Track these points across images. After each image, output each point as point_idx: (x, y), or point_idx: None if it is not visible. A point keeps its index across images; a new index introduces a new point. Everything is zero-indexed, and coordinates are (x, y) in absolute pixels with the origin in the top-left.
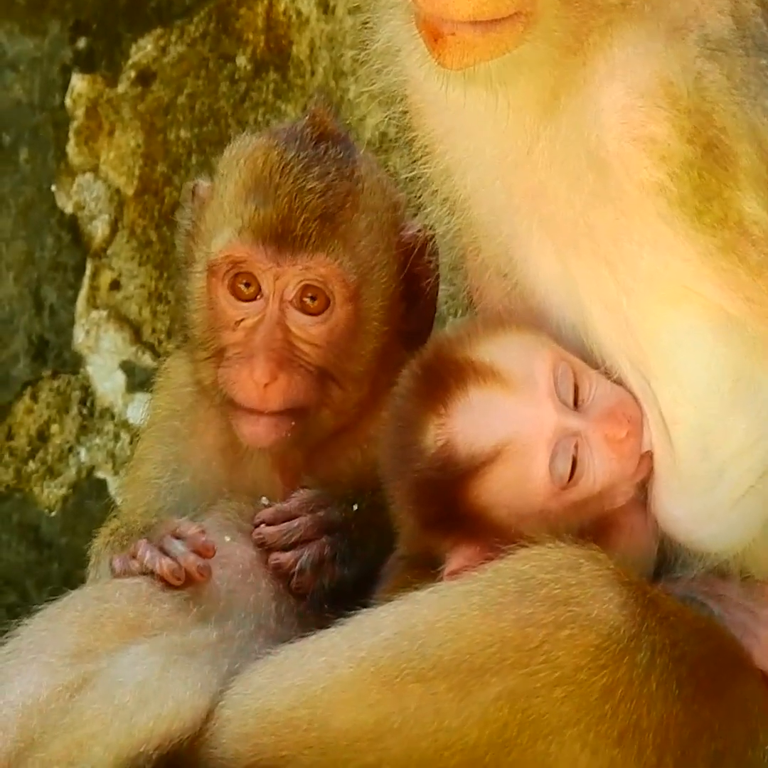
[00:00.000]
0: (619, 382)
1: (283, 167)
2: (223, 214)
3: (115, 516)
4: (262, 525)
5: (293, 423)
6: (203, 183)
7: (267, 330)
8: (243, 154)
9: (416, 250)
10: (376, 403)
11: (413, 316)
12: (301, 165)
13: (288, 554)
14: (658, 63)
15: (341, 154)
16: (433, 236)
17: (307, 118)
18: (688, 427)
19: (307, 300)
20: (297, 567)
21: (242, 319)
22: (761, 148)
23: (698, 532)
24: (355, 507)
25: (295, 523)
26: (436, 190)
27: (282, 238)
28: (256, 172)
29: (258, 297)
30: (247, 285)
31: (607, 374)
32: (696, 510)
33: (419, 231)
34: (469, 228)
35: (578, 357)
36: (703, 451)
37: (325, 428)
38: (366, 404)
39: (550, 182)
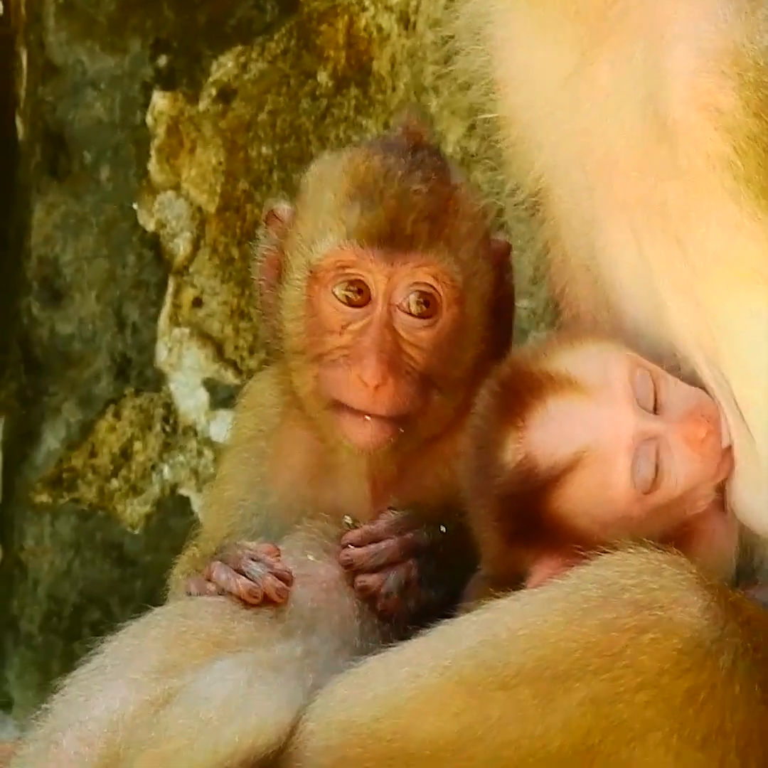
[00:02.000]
0: (692, 373)
1: (386, 172)
2: (322, 223)
3: (195, 542)
4: (350, 547)
5: (401, 430)
6: (281, 206)
7: (377, 332)
8: (338, 166)
9: (503, 261)
10: (466, 416)
11: (499, 327)
12: (403, 170)
13: (375, 576)
14: (727, 31)
15: (438, 163)
16: (510, 249)
17: (400, 129)
18: (762, 411)
19: (416, 303)
20: (384, 590)
21: (349, 323)
22: None
23: None
24: (443, 529)
25: (383, 545)
26: (517, 186)
27: (393, 238)
28: (357, 179)
29: (366, 302)
30: (359, 291)
31: (681, 365)
32: None
33: (507, 246)
34: (550, 220)
35: (653, 349)
36: None
37: (422, 437)
38: (458, 416)
39: (619, 147)
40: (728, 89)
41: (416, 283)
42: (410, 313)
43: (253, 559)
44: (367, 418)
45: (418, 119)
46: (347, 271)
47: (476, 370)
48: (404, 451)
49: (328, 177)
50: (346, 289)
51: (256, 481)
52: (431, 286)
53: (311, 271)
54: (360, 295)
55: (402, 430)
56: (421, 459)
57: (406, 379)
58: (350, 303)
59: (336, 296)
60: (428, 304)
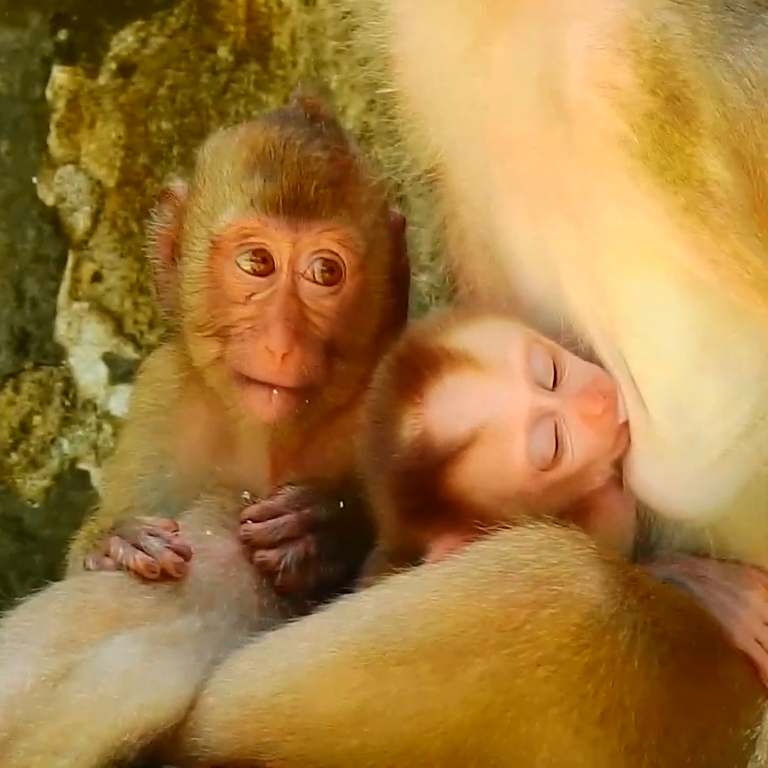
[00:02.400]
0: (589, 349)
1: (286, 141)
2: (223, 194)
3: (94, 517)
4: (248, 522)
5: (306, 401)
6: (175, 183)
7: (283, 300)
8: (235, 138)
9: (399, 233)
10: (366, 389)
11: (397, 298)
12: (302, 138)
13: (273, 552)
14: (624, 9)
15: (336, 133)
16: (405, 222)
17: (296, 100)
18: (657, 387)
19: (320, 270)
20: (282, 565)
21: (253, 293)
22: (723, 105)
23: (674, 498)
24: (341, 504)
25: (282, 520)
26: (415, 162)
27: (296, 204)
28: (257, 149)
29: (270, 271)
30: (263, 261)
31: (578, 341)
32: (671, 476)
33: (403, 218)
34: (448, 196)
35: (551, 326)
36: (676, 414)
37: (325, 408)
38: (359, 389)
39: (516, 124)
40: (625, 66)
41: (320, 250)
42: (314, 281)
43: (150, 534)
44: (274, 391)
45: (314, 91)
46: (250, 239)
47: (377, 341)
48: (306, 425)
49: (226, 150)
50: (250, 259)
51: (154, 456)
52: (335, 253)
53: (213, 242)
54: (264, 264)
55: (307, 401)
56: (321, 434)
57: (312, 349)
58: (254, 272)
59: (239, 266)
60: (332, 271)
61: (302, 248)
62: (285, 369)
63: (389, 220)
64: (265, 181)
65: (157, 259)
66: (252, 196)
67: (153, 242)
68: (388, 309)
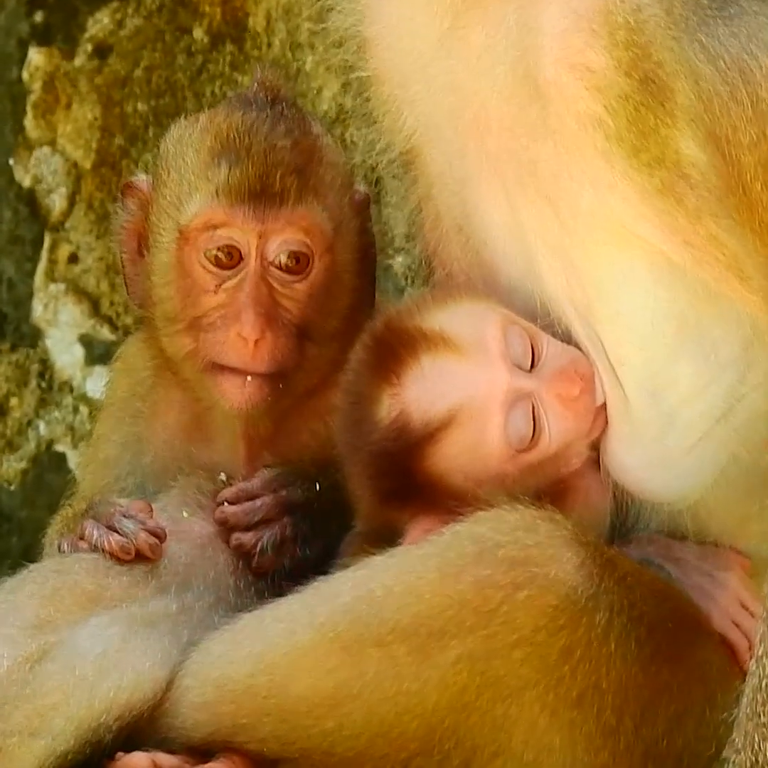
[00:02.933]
0: (566, 331)
1: (249, 128)
2: (188, 184)
3: (70, 501)
4: (225, 504)
5: (280, 385)
6: (138, 177)
7: (253, 287)
8: (198, 127)
9: (364, 211)
10: (340, 371)
11: (364, 277)
12: (266, 124)
13: (249, 534)
14: None
15: (298, 115)
16: (370, 199)
17: (256, 85)
18: (634, 369)
19: (288, 258)
20: (258, 547)
21: (223, 282)
22: (698, 86)
23: (651, 480)
24: (317, 486)
25: (258, 503)
26: (389, 144)
27: (262, 194)
28: (221, 137)
29: (238, 261)
30: (229, 254)
31: (554, 324)
32: (648, 457)
33: (364, 194)
34: (422, 178)
35: (527, 308)
36: (652, 396)
37: (298, 392)
38: (332, 371)
39: (492, 107)
40: (599, 48)
41: (287, 240)
42: (283, 268)
43: (125, 516)
44: (248, 377)
45: (273, 73)
46: (218, 231)
47: (348, 323)
48: (280, 408)
49: (190, 139)
50: (218, 249)
51: (131, 440)
52: (303, 240)
53: (180, 233)
54: (232, 254)
55: (280, 386)
56: (296, 416)
57: (284, 332)
58: (223, 262)
59: (207, 256)
60: (300, 258)
61: (270, 238)
62: (258, 355)
63: (354, 198)
64: (230, 169)
65: (124, 252)
66: (217, 186)
67: (119, 236)
68: (356, 288)
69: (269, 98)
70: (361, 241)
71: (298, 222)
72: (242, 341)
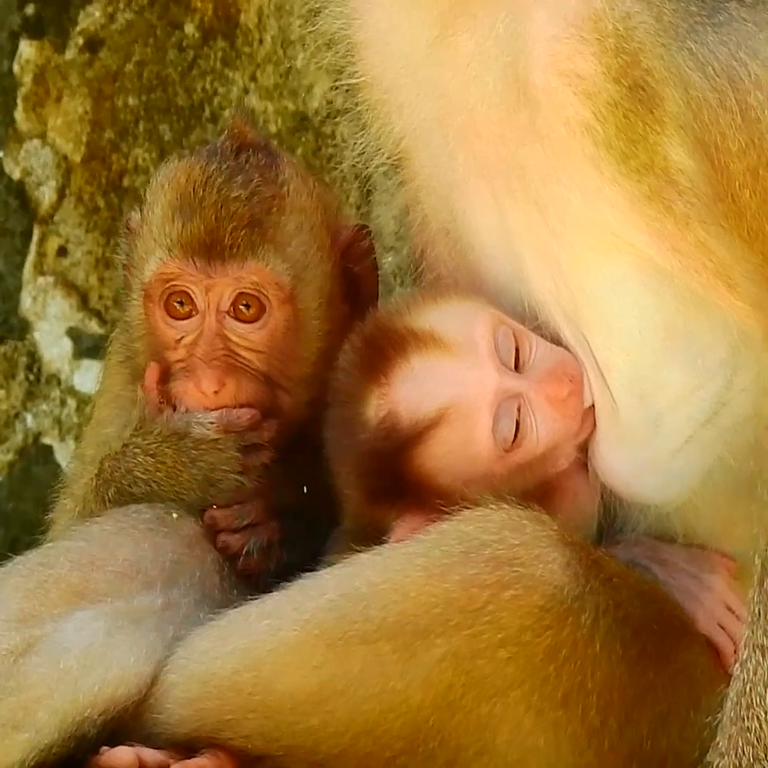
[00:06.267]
0: (555, 334)
1: (205, 181)
2: (153, 239)
3: (64, 494)
4: (213, 507)
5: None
6: (134, 216)
7: (207, 343)
8: (167, 178)
9: (353, 248)
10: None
11: (358, 316)
12: (223, 176)
13: (236, 536)
14: None
15: (263, 161)
16: (369, 232)
17: (225, 132)
18: (622, 374)
19: (242, 308)
20: (245, 550)
21: (182, 337)
22: (687, 93)
23: (638, 483)
24: (305, 489)
25: (246, 506)
26: (379, 148)
27: (211, 249)
28: (179, 190)
29: (194, 313)
30: (181, 303)
31: (543, 327)
32: (635, 460)
33: (357, 230)
34: (411, 182)
35: (516, 312)
36: (640, 400)
37: (285, 440)
38: (318, 407)
39: (481, 112)
40: (588, 55)
41: (239, 292)
42: (238, 319)
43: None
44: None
45: (243, 118)
46: (172, 284)
47: (327, 364)
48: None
49: (160, 190)
50: (173, 301)
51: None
52: (256, 291)
53: (144, 290)
54: (183, 306)
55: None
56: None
57: (246, 378)
58: (178, 316)
59: (165, 311)
60: (253, 308)
61: (221, 290)
62: (220, 399)
63: (334, 238)
64: (183, 224)
65: (125, 292)
66: (172, 241)
67: (123, 275)
68: (336, 332)
69: (233, 146)
70: (348, 283)
71: (248, 275)
72: (201, 394)
